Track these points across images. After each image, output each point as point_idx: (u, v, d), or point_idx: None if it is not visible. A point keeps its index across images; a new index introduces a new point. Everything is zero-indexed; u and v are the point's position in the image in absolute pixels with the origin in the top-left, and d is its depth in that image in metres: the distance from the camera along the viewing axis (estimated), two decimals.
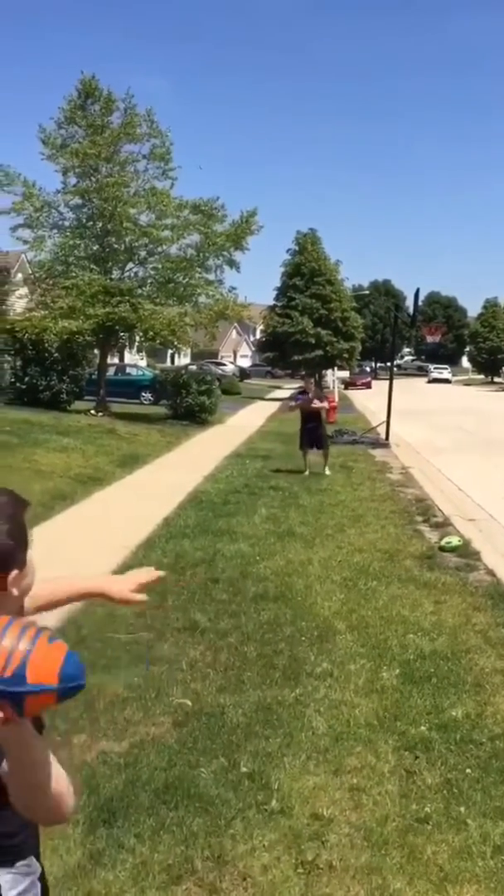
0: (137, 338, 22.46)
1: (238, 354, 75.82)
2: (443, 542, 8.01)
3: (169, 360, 50.38)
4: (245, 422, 24.01)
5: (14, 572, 1.38)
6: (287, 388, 48.21)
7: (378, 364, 78.08)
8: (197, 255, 21.75)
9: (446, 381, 71.14)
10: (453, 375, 75.93)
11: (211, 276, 22.31)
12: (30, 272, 25.30)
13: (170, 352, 43.44)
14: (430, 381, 69.69)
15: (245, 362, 71.62)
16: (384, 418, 19.22)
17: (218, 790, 3.36)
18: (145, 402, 27.62)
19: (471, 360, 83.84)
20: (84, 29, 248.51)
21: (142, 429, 18.41)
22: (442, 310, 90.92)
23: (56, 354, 19.16)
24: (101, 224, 21.31)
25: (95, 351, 22.78)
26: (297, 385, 50.34)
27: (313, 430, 12.74)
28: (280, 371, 55.86)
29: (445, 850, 3.01)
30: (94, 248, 21.70)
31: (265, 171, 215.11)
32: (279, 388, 50.08)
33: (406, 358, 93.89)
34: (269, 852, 2.96)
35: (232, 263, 22.19)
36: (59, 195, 21.33)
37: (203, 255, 21.80)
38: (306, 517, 9.22)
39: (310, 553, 7.50)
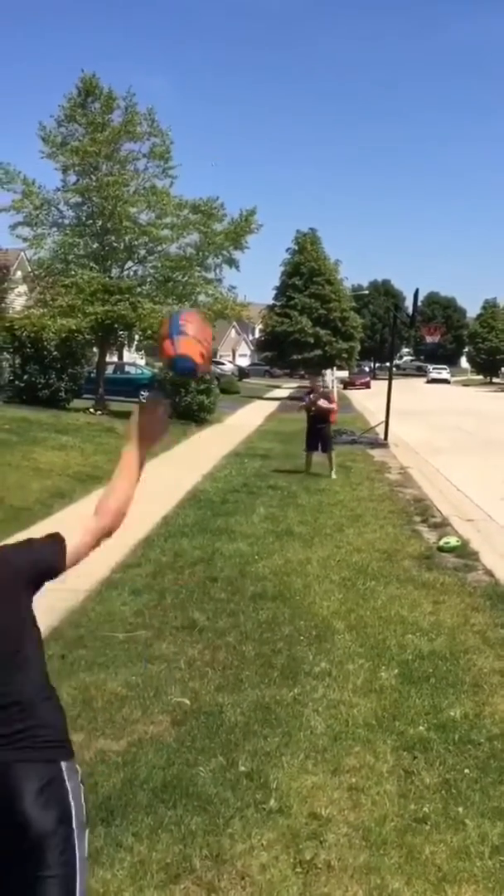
0: (136, 336, 22.45)
1: (237, 354, 75.83)
2: (441, 543, 8.01)
3: None
4: (244, 421, 24.01)
5: None
6: (286, 388, 48.24)
7: (377, 364, 78.11)
8: (196, 254, 21.75)
9: (445, 381, 71.19)
10: (452, 376, 75.97)
11: (210, 276, 22.34)
12: (29, 270, 25.30)
13: None
14: (428, 382, 69.71)
15: (244, 361, 71.63)
16: (383, 418, 19.23)
17: (216, 789, 3.36)
18: (144, 400, 27.59)
19: (470, 360, 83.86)
20: (85, 27, 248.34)
21: None
22: (441, 310, 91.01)
23: (55, 353, 19.12)
24: (100, 222, 21.30)
25: (94, 349, 22.78)
26: (296, 385, 50.47)
27: (320, 432, 12.54)
28: (279, 370, 55.90)
29: (444, 850, 3.01)
30: (94, 246, 21.70)
31: (265, 170, 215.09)
32: (278, 387, 50.09)
33: (405, 358, 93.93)
34: (268, 851, 2.96)
35: (231, 262, 22.21)
36: (59, 193, 21.38)
37: (202, 254, 21.80)
38: (305, 517, 9.22)
39: (308, 552, 7.50)
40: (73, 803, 1.74)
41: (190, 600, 5.94)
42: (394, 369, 22.94)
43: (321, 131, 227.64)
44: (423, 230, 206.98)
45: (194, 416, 21.63)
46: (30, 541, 1.96)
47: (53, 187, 21.48)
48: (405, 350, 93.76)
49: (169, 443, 16.82)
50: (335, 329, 41.38)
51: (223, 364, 55.21)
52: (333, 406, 13.15)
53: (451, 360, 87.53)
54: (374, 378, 61.55)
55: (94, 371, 22.91)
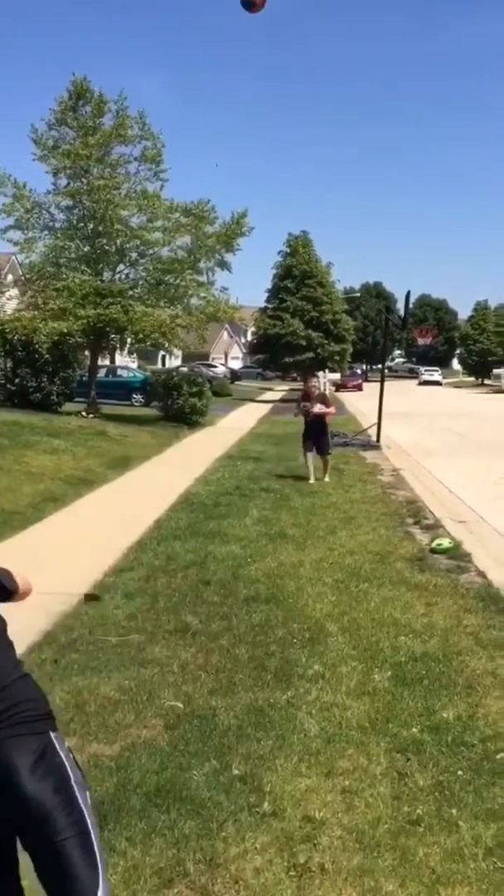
0: (128, 339, 22.44)
1: (229, 356, 75.87)
2: (434, 544, 8.02)
3: (160, 361, 50.37)
4: (236, 423, 24.02)
5: None
6: (278, 390, 48.28)
7: (369, 366, 78.28)
8: (188, 257, 21.75)
9: (437, 383, 71.47)
10: (444, 377, 76.25)
11: (202, 278, 22.33)
12: (21, 274, 25.25)
13: (161, 353, 43.47)
14: (420, 384, 69.95)
15: (236, 364, 71.69)
16: (375, 420, 19.26)
17: (210, 793, 3.35)
18: (136, 403, 27.59)
19: (461, 362, 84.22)
20: (80, 27, 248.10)
21: (133, 430, 18.38)
22: (433, 312, 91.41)
23: (47, 356, 19.09)
24: (91, 226, 21.27)
25: (86, 352, 22.75)
26: (288, 387, 50.49)
27: (315, 435, 12.31)
28: (271, 373, 55.93)
29: (437, 852, 3.01)
30: (85, 249, 21.66)
31: (259, 170, 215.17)
32: (270, 389, 50.13)
33: (397, 360, 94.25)
34: (262, 855, 2.96)
35: (223, 265, 22.22)
36: (50, 196, 21.32)
37: (194, 257, 21.80)
38: (298, 519, 9.23)
39: (301, 555, 7.50)
40: (68, 767, 1.86)
41: (183, 604, 5.93)
42: (386, 371, 23.00)
43: (315, 132, 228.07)
44: (415, 233, 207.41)
45: (186, 418, 21.64)
46: None
47: (44, 190, 21.48)
48: (397, 352, 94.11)
49: (161, 446, 16.83)
50: (327, 331, 41.45)
51: (215, 367, 55.28)
52: (331, 410, 12.96)
53: (442, 362, 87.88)
54: (366, 380, 61.73)
55: (86, 374, 22.87)
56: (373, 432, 19.21)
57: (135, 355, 35.36)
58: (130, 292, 21.45)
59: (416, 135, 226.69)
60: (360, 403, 33.19)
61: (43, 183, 70.02)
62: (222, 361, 67.25)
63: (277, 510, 9.72)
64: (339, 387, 52.90)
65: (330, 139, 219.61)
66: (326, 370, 42.47)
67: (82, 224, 21.48)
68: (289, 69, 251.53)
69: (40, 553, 7.12)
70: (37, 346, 18.93)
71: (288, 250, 43.49)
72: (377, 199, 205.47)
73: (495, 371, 72.86)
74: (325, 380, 40.44)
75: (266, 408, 32.99)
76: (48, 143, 20.85)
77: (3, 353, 19.72)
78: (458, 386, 72.02)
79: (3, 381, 19.84)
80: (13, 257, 28.96)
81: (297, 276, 42.00)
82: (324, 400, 12.83)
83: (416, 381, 71.79)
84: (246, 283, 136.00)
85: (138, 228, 21.28)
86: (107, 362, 31.19)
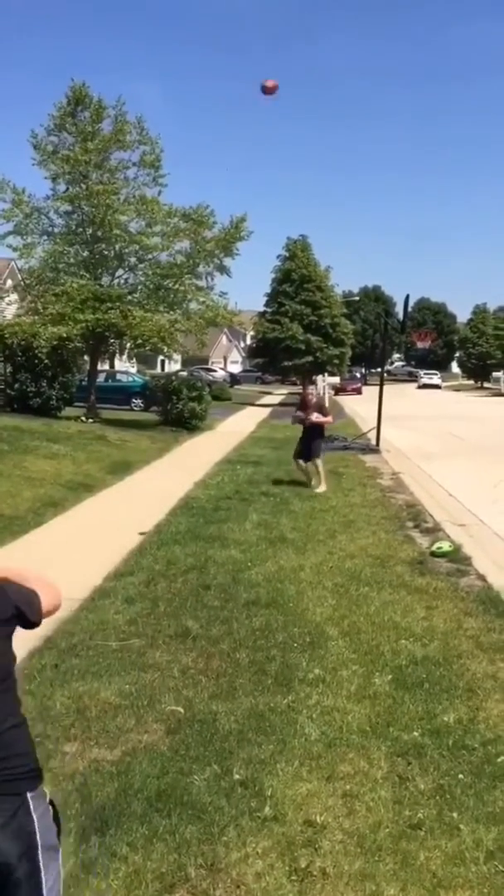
0: (128, 344, 22.45)
1: (228, 360, 75.93)
2: (434, 548, 8.03)
3: (159, 366, 50.41)
4: (236, 428, 24.02)
5: None
6: (277, 394, 48.31)
7: (368, 370, 78.28)
8: (187, 262, 21.78)
9: (436, 386, 71.42)
10: (443, 381, 76.22)
11: (201, 283, 22.36)
12: (20, 279, 25.27)
13: (160, 358, 43.48)
14: (420, 387, 69.92)
15: (235, 368, 71.73)
16: (374, 424, 19.27)
17: (211, 797, 3.35)
18: (136, 408, 27.59)
19: (460, 365, 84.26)
20: (78, 34, 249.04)
21: (132, 435, 18.38)
22: (432, 315, 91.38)
23: (46, 361, 19.10)
24: (90, 231, 21.31)
25: (86, 357, 22.77)
26: (287, 391, 50.53)
27: (310, 443, 12.09)
28: (270, 377, 55.95)
29: (439, 856, 3.01)
30: (84, 254, 21.70)
31: (256, 176, 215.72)
32: (269, 393, 50.16)
33: (396, 364, 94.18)
34: (263, 859, 2.96)
35: (222, 269, 22.25)
36: (49, 201, 21.34)
37: (193, 262, 21.83)
38: (297, 523, 9.23)
39: (301, 559, 7.50)
40: (38, 832, 1.81)
41: (183, 608, 5.93)
42: (385, 375, 23.01)
43: (314, 137, 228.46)
44: (414, 236, 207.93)
45: (186, 423, 21.65)
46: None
47: (43, 196, 21.50)
48: (396, 356, 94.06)
49: (161, 450, 16.83)
50: (326, 335, 41.42)
51: (214, 371, 55.30)
52: (328, 419, 12.78)
53: (441, 366, 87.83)
54: (366, 384, 61.73)
55: (86, 379, 22.88)
56: (372, 436, 19.22)
57: (134, 360, 35.39)
58: (129, 297, 21.48)
59: (416, 138, 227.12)
60: (360, 407, 33.21)
61: (42, 188, 70.15)
62: (221, 366, 67.30)
63: (277, 514, 9.72)
64: (339, 390, 52.90)
65: (329, 143, 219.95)
66: (326, 374, 42.44)
67: (81, 229, 21.52)
68: (287, 73, 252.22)
69: (40, 558, 7.12)
70: (36, 351, 18.94)
71: (287, 254, 43.47)
72: (376, 203, 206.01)
73: (494, 374, 72.98)
74: (324, 384, 40.49)
75: (265, 412, 33.00)
76: (47, 148, 20.89)
77: (2, 358, 19.74)
78: (457, 389, 72.02)
79: (2, 386, 19.87)
80: (12, 263, 28.98)
81: (295, 280, 41.99)
82: (321, 409, 12.59)
83: (415, 385, 71.75)
84: (245, 287, 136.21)
85: (137, 233, 21.30)
86: (106, 367, 31.18)
